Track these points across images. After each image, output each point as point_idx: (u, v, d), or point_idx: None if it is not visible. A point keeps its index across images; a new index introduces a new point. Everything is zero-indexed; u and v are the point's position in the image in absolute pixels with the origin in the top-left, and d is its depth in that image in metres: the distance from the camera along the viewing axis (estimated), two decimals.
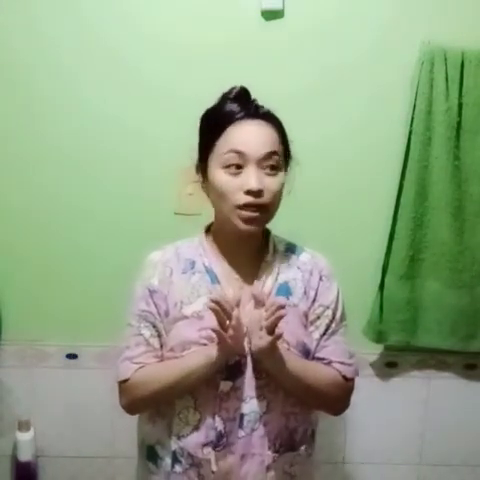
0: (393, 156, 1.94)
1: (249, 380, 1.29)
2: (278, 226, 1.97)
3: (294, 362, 1.28)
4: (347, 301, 2.01)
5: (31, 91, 1.93)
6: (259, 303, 1.23)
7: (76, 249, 1.99)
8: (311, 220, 1.98)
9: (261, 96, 1.91)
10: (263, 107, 1.32)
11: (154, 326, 1.34)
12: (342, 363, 1.35)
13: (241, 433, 1.29)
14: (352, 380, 1.37)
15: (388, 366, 2.09)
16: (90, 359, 2.03)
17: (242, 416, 1.29)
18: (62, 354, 2.04)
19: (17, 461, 2.03)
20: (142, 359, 1.33)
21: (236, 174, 1.26)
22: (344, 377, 1.35)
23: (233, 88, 1.33)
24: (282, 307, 1.19)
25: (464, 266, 1.96)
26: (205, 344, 1.27)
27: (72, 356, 2.03)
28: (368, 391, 2.07)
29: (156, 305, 1.34)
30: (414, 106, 1.90)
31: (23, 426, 2.01)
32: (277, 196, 1.29)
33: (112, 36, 1.91)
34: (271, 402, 1.30)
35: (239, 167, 1.26)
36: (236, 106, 1.30)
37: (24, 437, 2.01)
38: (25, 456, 2.02)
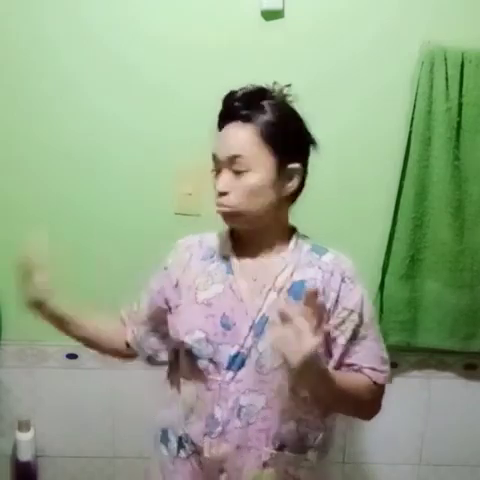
0: (393, 156, 1.94)
1: (251, 373, 1.29)
2: None
3: (332, 372, 1.25)
4: None
5: (32, 91, 1.93)
6: (286, 319, 1.11)
7: (76, 249, 1.99)
8: (311, 220, 1.98)
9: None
10: (240, 102, 1.31)
11: (151, 302, 1.45)
12: (373, 369, 1.33)
13: (237, 424, 1.30)
14: (383, 386, 1.35)
15: None
16: (90, 359, 2.03)
17: (240, 407, 1.30)
18: (62, 354, 2.04)
19: (17, 461, 2.03)
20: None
21: (216, 178, 1.33)
22: (375, 383, 1.33)
23: (230, 91, 1.36)
24: (315, 294, 1.10)
25: (464, 266, 1.96)
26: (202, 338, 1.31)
27: (72, 356, 2.03)
28: None
29: (162, 282, 1.42)
30: (414, 106, 1.90)
31: (23, 426, 2.01)
32: (246, 196, 1.29)
33: (113, 37, 1.91)
34: (271, 399, 1.30)
35: (218, 171, 1.32)
36: (222, 112, 1.33)
37: (24, 437, 2.01)
38: (25, 456, 2.02)
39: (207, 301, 1.33)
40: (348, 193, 1.99)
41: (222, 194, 1.30)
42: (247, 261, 1.36)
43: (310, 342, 1.08)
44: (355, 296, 1.34)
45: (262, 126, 1.29)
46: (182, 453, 1.36)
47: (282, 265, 1.33)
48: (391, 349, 2.06)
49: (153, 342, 1.46)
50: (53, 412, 2.06)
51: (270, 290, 1.31)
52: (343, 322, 1.32)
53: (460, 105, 1.90)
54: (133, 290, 1.98)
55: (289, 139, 1.32)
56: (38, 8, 1.90)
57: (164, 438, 1.41)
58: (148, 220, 1.98)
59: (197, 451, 1.33)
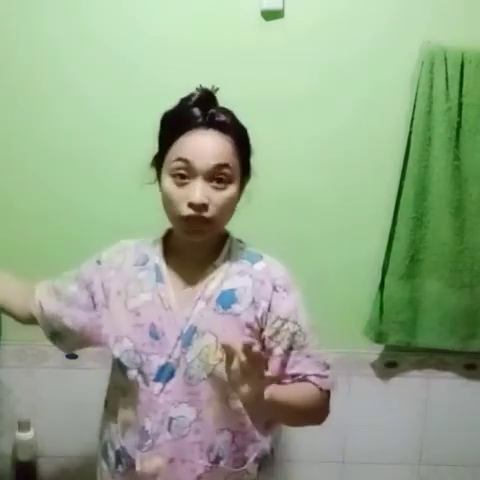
0: (393, 156, 1.94)
1: (180, 385, 1.26)
2: (278, 226, 1.98)
3: (280, 394, 1.18)
4: (347, 301, 2.03)
5: (32, 91, 1.92)
6: (230, 353, 1.11)
7: (76, 249, 1.98)
8: (311, 220, 1.98)
9: (261, 96, 1.92)
10: (222, 115, 1.25)
11: (79, 287, 1.40)
12: (317, 375, 1.29)
13: (168, 436, 1.27)
14: (329, 391, 1.32)
15: (388, 366, 2.09)
16: (90, 359, 2.02)
17: (171, 420, 1.27)
18: (62, 354, 2.02)
19: (17, 461, 2.03)
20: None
21: (182, 184, 1.23)
22: (321, 389, 1.30)
23: (193, 94, 1.29)
24: (251, 346, 1.07)
25: (464, 266, 1.96)
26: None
27: (72, 356, 2.03)
28: (368, 391, 2.07)
29: (92, 275, 1.39)
30: (414, 106, 1.90)
31: (23, 426, 2.01)
32: (224, 210, 1.24)
33: (112, 37, 1.91)
34: (202, 411, 1.27)
35: (184, 177, 1.23)
36: (192, 114, 1.25)
37: (24, 437, 2.01)
38: (25, 456, 2.02)
39: (136, 310, 1.29)
40: (348, 193, 1.99)
41: (199, 206, 1.21)
42: (178, 269, 1.32)
43: (259, 385, 1.11)
44: (288, 305, 1.29)
45: (235, 138, 1.25)
46: (120, 468, 1.33)
47: (213, 273, 1.29)
48: (391, 349, 2.08)
49: (62, 324, 1.42)
50: (53, 412, 2.06)
51: (199, 299, 1.27)
52: (278, 332, 1.28)
53: (460, 105, 1.90)
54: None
55: (248, 157, 1.30)
56: (38, 8, 1.89)
57: (104, 452, 1.39)
58: (148, 220, 1.98)
59: (133, 465, 1.30)
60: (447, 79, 1.88)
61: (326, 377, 1.30)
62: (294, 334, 1.29)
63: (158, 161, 1.32)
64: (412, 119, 1.90)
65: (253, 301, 1.28)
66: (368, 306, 1.99)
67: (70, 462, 2.10)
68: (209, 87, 1.31)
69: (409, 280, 1.97)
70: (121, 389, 1.34)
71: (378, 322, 1.98)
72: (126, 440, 1.32)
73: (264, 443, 1.34)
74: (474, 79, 1.89)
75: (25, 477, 2.03)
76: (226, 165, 1.23)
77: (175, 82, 1.94)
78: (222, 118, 1.25)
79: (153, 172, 1.36)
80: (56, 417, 2.06)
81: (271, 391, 1.12)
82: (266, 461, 1.35)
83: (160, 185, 1.31)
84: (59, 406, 2.06)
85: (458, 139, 1.92)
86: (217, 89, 1.31)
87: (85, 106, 1.93)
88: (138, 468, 1.29)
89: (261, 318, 1.28)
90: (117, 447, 1.34)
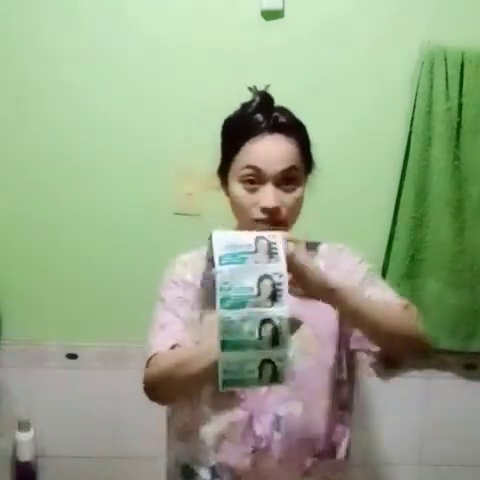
0: (393, 156, 1.94)
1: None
2: None
3: (358, 295, 1.20)
4: None
5: (30, 90, 1.93)
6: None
7: (76, 249, 1.99)
8: (311, 220, 1.98)
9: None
10: (284, 117, 1.28)
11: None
12: (395, 297, 1.31)
13: (277, 436, 1.25)
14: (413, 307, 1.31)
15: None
16: (90, 359, 2.03)
17: (279, 419, 1.26)
18: (62, 354, 2.03)
19: (17, 461, 2.02)
20: (180, 335, 1.29)
21: (252, 190, 1.25)
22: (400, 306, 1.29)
23: (253, 99, 1.30)
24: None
25: (464, 266, 1.96)
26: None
27: (72, 356, 2.03)
28: (368, 391, 2.07)
29: (188, 296, 1.33)
30: (414, 106, 1.90)
31: (23, 426, 2.00)
32: (294, 210, 1.29)
33: (112, 37, 1.91)
34: (308, 405, 1.26)
35: (254, 182, 1.25)
36: (256, 120, 1.26)
37: (24, 437, 2.01)
38: (25, 456, 2.01)
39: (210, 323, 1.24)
40: (348, 193, 1.99)
41: (273, 210, 1.23)
42: None
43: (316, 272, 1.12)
44: (349, 260, 1.38)
45: (298, 138, 1.28)
46: None
47: None
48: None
49: None
50: (53, 412, 2.06)
51: None
52: (355, 271, 1.34)
53: (460, 105, 1.90)
54: (132, 290, 1.99)
55: (310, 152, 1.32)
56: (37, 9, 1.90)
57: (187, 474, 1.33)
58: (148, 220, 1.98)
59: (236, 476, 1.27)
60: (447, 79, 1.88)
61: (403, 301, 1.30)
62: (370, 270, 1.36)
63: (223, 168, 1.31)
64: (412, 119, 1.90)
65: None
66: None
67: (70, 462, 2.10)
68: (263, 88, 1.33)
69: (409, 280, 1.97)
70: (215, 407, 1.28)
71: None
72: (224, 454, 1.28)
73: (348, 434, 1.34)
74: (474, 79, 1.89)
75: (25, 477, 2.03)
76: (293, 167, 1.25)
77: (175, 82, 1.95)
78: (284, 120, 1.28)
79: (217, 179, 1.35)
80: (56, 417, 2.06)
81: (340, 284, 1.15)
82: (349, 450, 1.35)
83: (226, 191, 1.32)
84: (59, 406, 2.06)
85: (458, 139, 1.92)
86: (268, 86, 1.33)
87: (84, 106, 1.93)
88: (249, 475, 1.26)
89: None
90: (212, 464, 1.29)
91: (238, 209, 1.29)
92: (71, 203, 1.97)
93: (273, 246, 1.04)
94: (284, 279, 1.02)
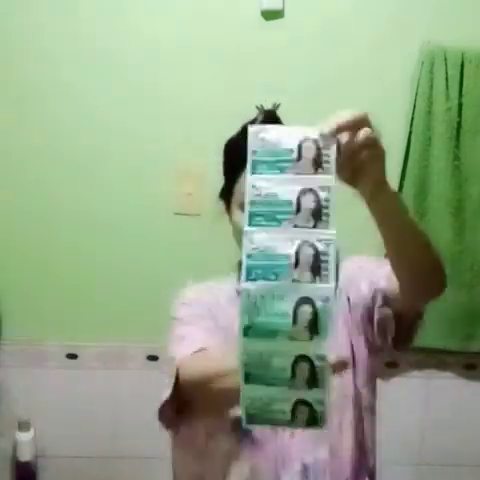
0: (393, 156, 1.94)
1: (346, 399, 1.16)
2: None
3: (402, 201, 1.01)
4: None
5: (30, 90, 1.93)
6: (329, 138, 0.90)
7: (76, 249, 1.99)
8: None
9: (261, 96, 1.92)
10: None
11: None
12: None
13: None
14: None
15: (388, 366, 2.08)
16: (90, 359, 2.03)
17: (306, 467, 1.14)
18: (62, 354, 2.03)
19: (17, 461, 2.02)
20: (205, 342, 1.15)
21: None
22: None
23: (256, 118, 1.20)
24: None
25: (464, 266, 1.96)
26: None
27: (72, 356, 2.03)
28: None
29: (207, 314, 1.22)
30: (414, 106, 1.90)
31: (23, 426, 2.00)
32: None
33: (112, 37, 1.91)
34: (334, 446, 1.14)
35: None
36: None
37: (24, 437, 2.00)
38: (25, 456, 2.01)
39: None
40: (348, 193, 1.99)
41: None
42: None
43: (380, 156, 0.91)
44: (346, 267, 1.28)
45: None
46: None
47: None
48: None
49: None
50: (53, 412, 2.06)
51: None
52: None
53: (460, 105, 1.90)
54: (132, 290, 1.99)
55: None
56: (37, 9, 1.89)
57: None
58: (148, 220, 1.98)
59: None
60: (447, 79, 1.88)
61: None
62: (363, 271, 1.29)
63: (226, 192, 1.24)
64: (412, 119, 1.91)
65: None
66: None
67: (70, 462, 2.10)
68: (271, 106, 1.24)
69: None
70: (235, 455, 1.15)
71: None
72: None
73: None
74: (474, 79, 1.89)
75: (25, 477, 2.03)
76: None
77: (175, 82, 1.96)
78: None
79: (222, 204, 1.27)
80: (56, 417, 2.06)
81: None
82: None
83: (230, 217, 1.25)
84: (59, 406, 2.06)
85: (458, 139, 1.92)
86: (278, 105, 1.24)
87: (84, 106, 1.93)
88: None
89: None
90: None
91: (237, 236, 1.19)
92: (71, 203, 1.97)
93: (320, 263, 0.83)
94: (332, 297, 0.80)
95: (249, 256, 0.80)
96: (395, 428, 2.11)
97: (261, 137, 0.85)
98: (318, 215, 0.86)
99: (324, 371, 0.80)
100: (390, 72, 1.94)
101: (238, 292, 1.03)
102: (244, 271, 0.79)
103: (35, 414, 2.04)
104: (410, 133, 1.91)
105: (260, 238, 0.81)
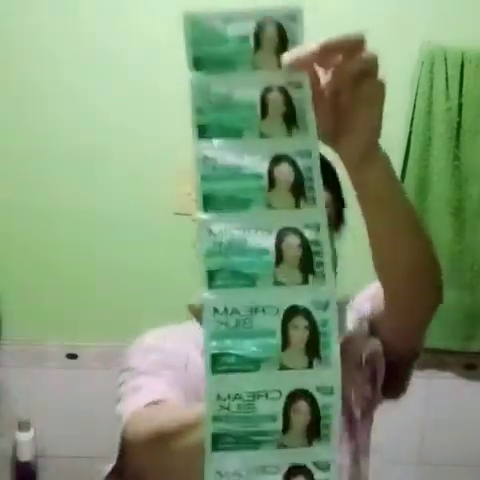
0: (393, 156, 1.93)
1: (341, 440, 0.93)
2: None
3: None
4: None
5: (30, 90, 1.93)
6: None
7: (76, 249, 1.99)
8: None
9: None
10: None
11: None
12: None
13: None
14: None
15: None
16: (90, 359, 2.03)
17: None
18: (62, 354, 2.03)
19: (17, 461, 2.02)
20: (163, 394, 0.93)
21: None
22: None
23: None
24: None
25: (464, 266, 1.96)
26: None
27: (72, 356, 2.03)
28: None
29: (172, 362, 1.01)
30: (414, 106, 1.90)
31: (23, 426, 2.00)
32: None
33: (112, 37, 1.91)
34: (358, 451, 1.04)
35: None
36: None
37: (24, 437, 2.00)
38: (25, 456, 2.01)
39: None
40: (348, 193, 1.99)
41: None
42: None
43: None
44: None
45: (336, 191, 1.11)
46: None
47: None
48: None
49: None
50: (53, 412, 2.06)
51: None
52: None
53: (460, 105, 1.90)
54: (132, 290, 1.99)
55: (342, 203, 1.13)
56: (37, 8, 1.89)
57: None
58: (148, 220, 1.98)
59: None
60: (447, 79, 1.88)
61: None
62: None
63: None
64: (412, 119, 1.91)
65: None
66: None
67: (70, 462, 2.10)
68: None
69: None
70: None
71: None
72: None
73: None
74: (474, 79, 1.89)
75: (25, 477, 2.03)
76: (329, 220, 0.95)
77: (175, 82, 1.95)
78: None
79: None
80: (56, 417, 2.06)
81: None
82: None
83: None
84: (59, 406, 2.06)
85: (458, 139, 1.92)
86: None
87: (85, 107, 1.93)
88: None
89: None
90: None
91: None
92: (71, 203, 1.97)
93: None
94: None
95: (209, 254, 0.59)
96: (395, 428, 2.11)
97: (207, 85, 0.63)
98: (300, 191, 0.59)
99: (332, 414, 0.55)
100: (390, 72, 1.93)
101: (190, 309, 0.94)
102: (204, 276, 0.58)
103: (35, 414, 2.04)
104: (410, 133, 1.91)
105: (222, 228, 0.60)
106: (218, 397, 0.54)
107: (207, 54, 0.65)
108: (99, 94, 1.93)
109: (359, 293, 1.03)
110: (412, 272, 0.81)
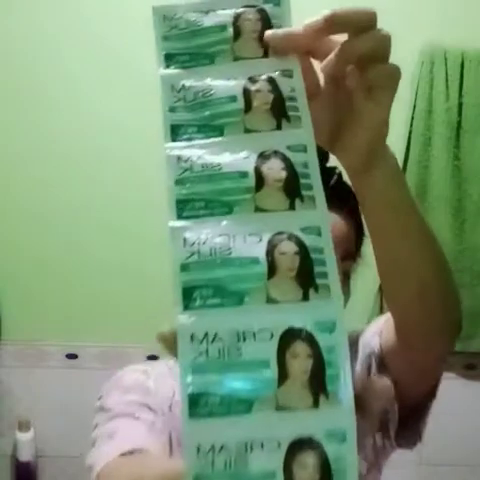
0: None
1: None
2: None
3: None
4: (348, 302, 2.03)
5: (30, 90, 1.93)
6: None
7: (76, 249, 1.99)
8: None
9: None
10: (342, 187, 0.84)
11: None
12: None
13: None
14: None
15: None
16: (90, 359, 2.03)
17: None
18: (62, 354, 2.03)
19: (17, 461, 2.02)
20: (140, 441, 0.83)
21: None
22: None
23: None
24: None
25: (464, 266, 1.96)
26: None
27: (72, 356, 2.03)
28: None
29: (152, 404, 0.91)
30: (414, 106, 1.90)
31: (23, 426, 2.00)
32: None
33: (112, 36, 1.91)
34: (369, 457, 0.92)
35: None
36: None
37: (24, 437, 2.01)
38: (25, 456, 2.01)
39: None
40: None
41: None
42: None
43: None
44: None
45: (356, 220, 1.00)
46: None
47: None
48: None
49: None
50: (53, 412, 2.06)
51: None
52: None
53: (460, 105, 1.90)
54: (132, 291, 1.99)
55: (362, 234, 1.06)
56: (38, 7, 1.90)
57: None
58: (148, 220, 1.98)
59: None
60: (447, 79, 1.88)
61: None
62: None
63: None
64: (412, 119, 1.91)
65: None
66: (368, 306, 1.99)
67: (70, 462, 2.10)
68: None
69: None
70: None
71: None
72: None
73: None
74: (474, 79, 1.89)
75: (25, 477, 2.03)
76: (347, 260, 0.91)
77: None
78: (343, 193, 0.83)
79: None
80: (56, 417, 2.06)
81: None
82: None
83: None
84: (59, 406, 2.06)
85: (458, 139, 1.92)
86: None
87: (85, 106, 1.93)
88: None
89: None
90: None
91: None
92: (71, 203, 1.97)
93: None
94: None
95: (184, 268, 0.51)
96: None
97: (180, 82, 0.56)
98: (294, 190, 0.50)
99: (345, 468, 0.42)
100: None
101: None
102: (179, 295, 0.49)
103: (35, 414, 2.04)
104: (410, 133, 1.91)
105: (201, 236, 0.51)
106: (198, 450, 0.42)
107: (179, 49, 0.57)
108: (100, 94, 1.93)
109: (365, 329, 0.93)
110: (424, 289, 0.70)
